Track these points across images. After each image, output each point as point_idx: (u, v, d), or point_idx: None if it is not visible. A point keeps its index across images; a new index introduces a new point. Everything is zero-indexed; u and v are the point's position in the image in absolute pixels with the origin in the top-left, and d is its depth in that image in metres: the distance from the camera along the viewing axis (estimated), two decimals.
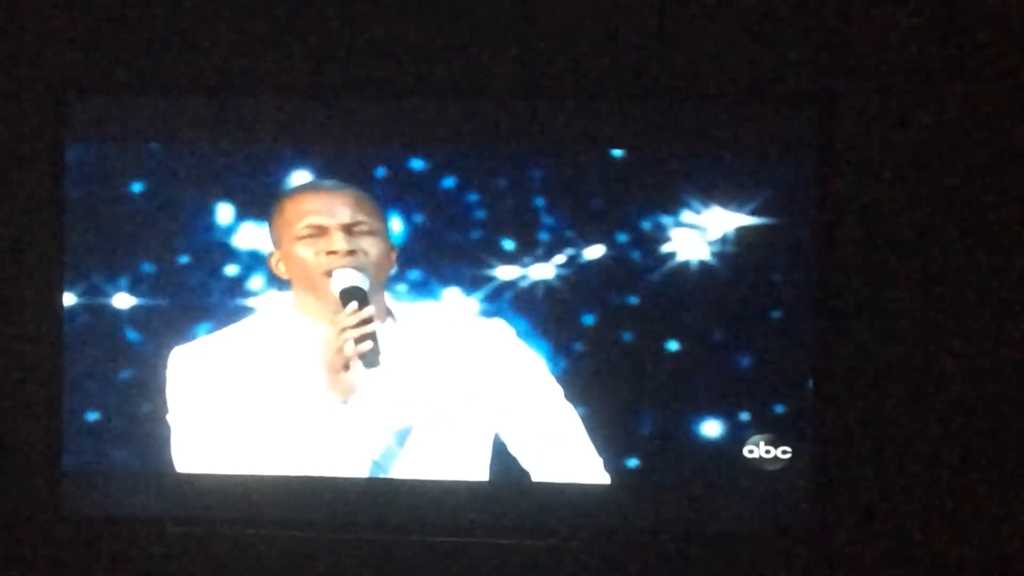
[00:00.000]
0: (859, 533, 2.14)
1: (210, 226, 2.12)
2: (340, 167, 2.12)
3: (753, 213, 2.10)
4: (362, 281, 2.01)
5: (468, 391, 2.10)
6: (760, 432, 2.11)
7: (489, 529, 2.13)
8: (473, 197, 2.12)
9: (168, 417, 2.09)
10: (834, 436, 2.12)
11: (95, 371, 2.13)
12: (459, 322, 2.10)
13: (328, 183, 2.08)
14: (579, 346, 2.13)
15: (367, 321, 1.99)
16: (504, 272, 2.12)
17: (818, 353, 2.09)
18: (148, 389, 2.12)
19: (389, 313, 2.09)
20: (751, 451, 2.12)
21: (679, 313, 2.11)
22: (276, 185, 2.11)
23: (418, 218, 2.12)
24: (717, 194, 2.10)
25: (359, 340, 1.98)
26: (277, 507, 2.12)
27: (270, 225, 2.09)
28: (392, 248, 2.09)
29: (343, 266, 2.02)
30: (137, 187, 2.12)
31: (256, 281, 2.12)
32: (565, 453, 2.11)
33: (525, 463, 2.11)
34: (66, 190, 2.12)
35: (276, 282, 2.11)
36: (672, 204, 2.10)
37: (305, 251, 2.04)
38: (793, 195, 2.09)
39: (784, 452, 2.11)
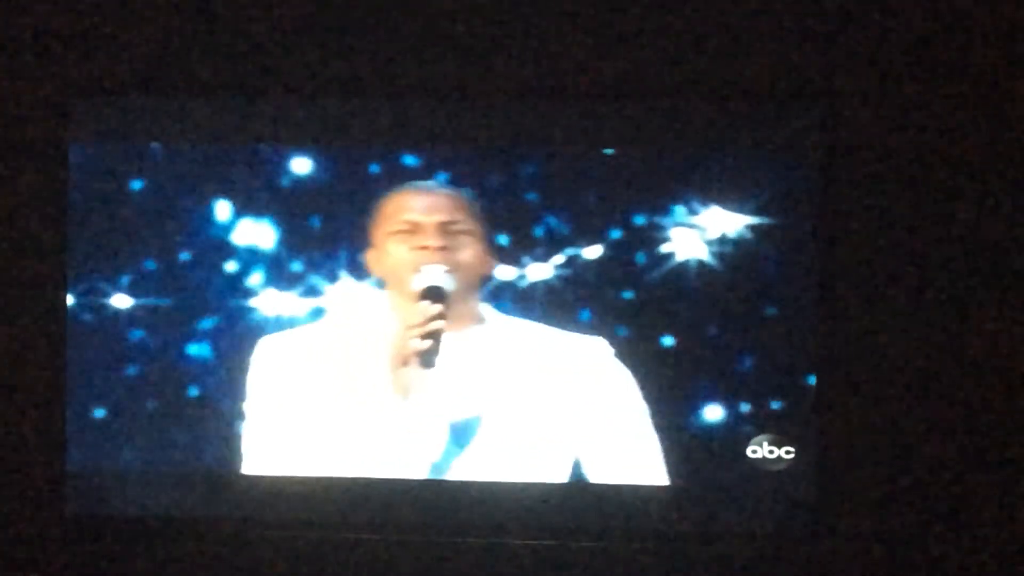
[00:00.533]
0: (862, 533, 2.13)
1: (210, 223, 2.14)
2: (335, 164, 2.13)
3: (755, 212, 2.08)
4: (446, 281, 2.02)
5: (550, 407, 2.08)
6: (763, 432, 2.10)
7: (497, 529, 2.14)
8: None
9: (244, 405, 2.11)
10: (837, 436, 2.11)
11: (99, 368, 2.15)
12: (555, 336, 2.09)
13: (429, 183, 2.09)
14: None
15: (434, 319, 1.99)
16: (500, 271, 2.11)
17: (821, 353, 2.09)
18: (152, 386, 2.14)
19: (480, 319, 2.09)
20: (754, 451, 2.11)
21: (682, 313, 2.10)
22: (274, 182, 2.12)
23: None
24: (720, 193, 2.09)
25: (423, 337, 1.98)
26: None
27: (369, 224, 2.10)
28: (490, 253, 2.08)
29: (433, 262, 2.02)
30: (139, 186, 2.15)
31: (255, 277, 2.13)
32: (637, 479, 2.11)
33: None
34: (69, 189, 2.14)
35: (275, 280, 2.12)
36: (674, 203, 2.09)
37: (398, 246, 2.06)
38: (795, 194, 2.08)
39: (787, 452, 2.10)
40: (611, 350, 2.09)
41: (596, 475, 2.10)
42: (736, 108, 2.10)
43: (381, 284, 2.11)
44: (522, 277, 2.11)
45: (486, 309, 2.10)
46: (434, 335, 1.99)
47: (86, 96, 2.15)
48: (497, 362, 2.09)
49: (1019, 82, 2.07)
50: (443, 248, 2.04)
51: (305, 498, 2.13)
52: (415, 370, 2.02)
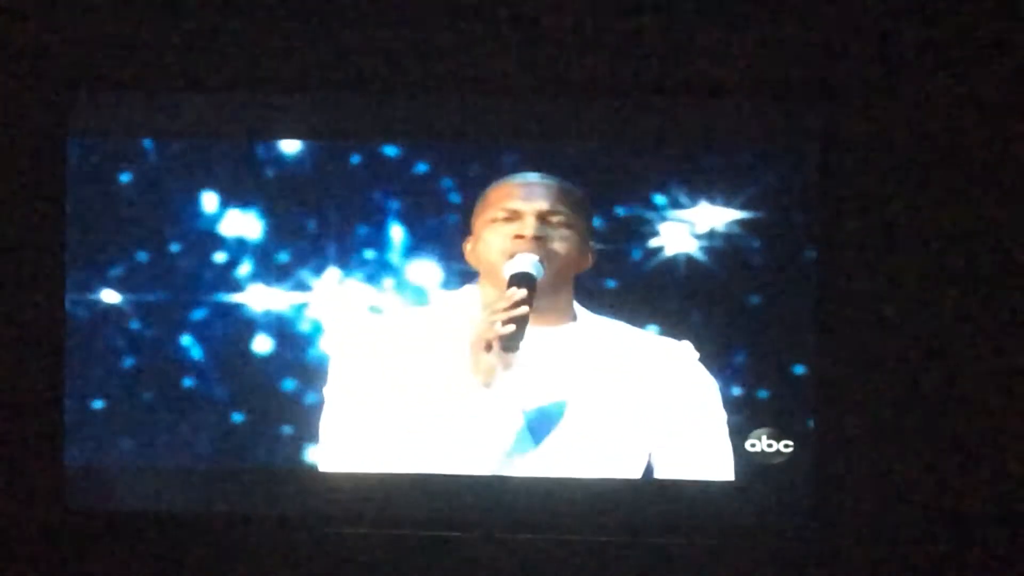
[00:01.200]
0: (861, 526, 2.12)
1: (205, 217, 2.14)
2: (320, 155, 2.14)
3: (756, 208, 2.08)
4: (536, 269, 1.99)
5: (632, 406, 2.06)
6: (762, 426, 2.10)
7: (473, 523, 2.13)
8: (447, 183, 2.11)
9: (324, 390, 2.10)
10: (835, 430, 2.11)
11: (98, 362, 2.17)
12: (643, 337, 2.08)
13: (536, 174, 2.07)
14: None
15: (520, 304, 1.95)
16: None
17: (820, 348, 2.09)
18: (150, 379, 2.16)
19: (572, 316, 2.07)
20: (753, 445, 2.10)
21: (685, 308, 2.10)
22: (272, 175, 2.13)
23: (394, 204, 2.12)
24: (719, 189, 2.09)
25: (505, 322, 1.95)
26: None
27: (472, 213, 2.09)
28: (589, 249, 2.06)
29: (526, 251, 2.00)
30: (136, 181, 2.16)
31: (244, 267, 2.14)
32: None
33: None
34: (67, 184, 2.16)
35: (264, 275, 2.12)
36: (671, 198, 2.09)
37: (494, 234, 2.03)
38: (796, 191, 2.08)
39: (786, 446, 2.10)
40: (696, 354, 2.07)
41: (666, 475, 2.08)
42: (740, 105, 2.09)
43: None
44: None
45: (578, 307, 2.08)
46: (518, 321, 1.95)
47: (84, 91, 2.16)
48: (585, 359, 2.06)
49: (1020, 81, 2.07)
50: (539, 238, 2.00)
51: (314, 494, 2.14)
52: (498, 355, 1.98)
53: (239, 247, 2.14)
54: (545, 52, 2.12)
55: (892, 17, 2.08)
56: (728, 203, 2.08)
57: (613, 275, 2.09)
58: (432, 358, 2.05)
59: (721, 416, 2.07)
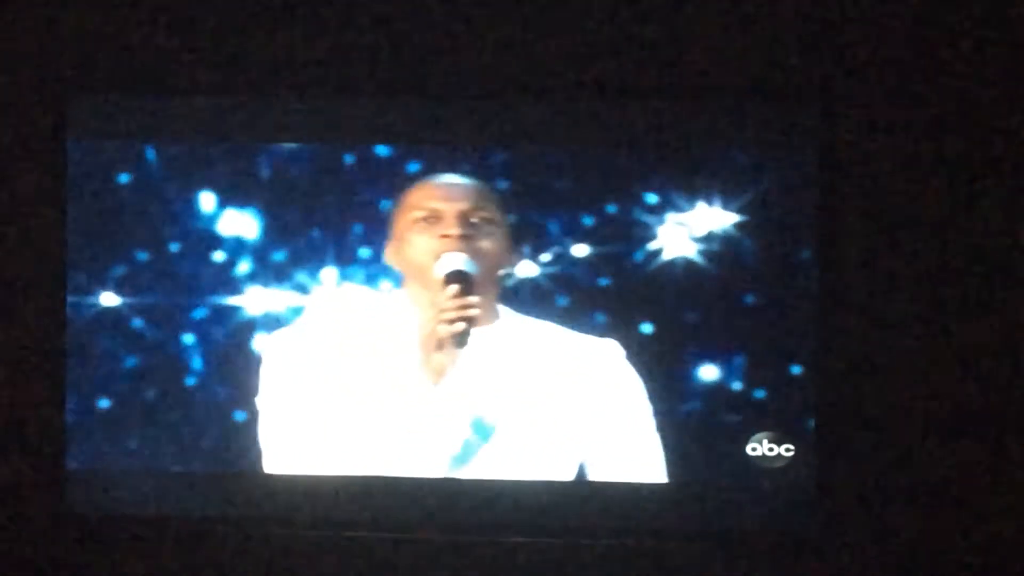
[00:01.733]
0: (863, 529, 2.11)
1: (205, 218, 2.15)
2: (312, 156, 2.14)
3: (754, 208, 2.07)
4: (468, 266, 2.00)
5: (562, 408, 2.06)
6: (763, 430, 2.08)
7: (481, 527, 2.13)
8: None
9: (256, 400, 2.12)
10: (837, 434, 2.09)
11: (99, 363, 2.17)
12: (568, 336, 2.08)
13: (453, 176, 2.09)
14: None
15: (468, 307, 1.98)
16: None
17: (820, 350, 2.07)
18: (152, 380, 2.16)
19: (496, 315, 2.08)
20: (754, 449, 2.08)
21: (684, 310, 2.08)
22: (272, 177, 2.14)
23: (385, 204, 2.12)
24: (718, 189, 2.07)
25: (454, 320, 1.98)
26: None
27: (391, 215, 2.10)
28: (511, 248, 2.07)
29: (454, 250, 2.01)
30: (135, 182, 2.17)
31: (243, 267, 2.14)
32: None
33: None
34: (67, 185, 2.17)
35: (262, 277, 2.13)
36: (671, 200, 2.08)
37: (419, 236, 2.05)
38: (795, 191, 2.07)
39: (787, 450, 2.08)
40: (623, 352, 2.07)
41: (599, 476, 2.08)
42: (738, 106, 2.08)
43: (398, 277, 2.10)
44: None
45: (501, 307, 2.08)
46: (468, 319, 1.98)
47: (85, 94, 2.17)
48: (512, 361, 2.06)
49: (1018, 81, 2.07)
50: (464, 237, 2.02)
51: (310, 497, 2.13)
52: (448, 353, 2.01)
53: (237, 247, 2.14)
54: (539, 52, 2.12)
55: (891, 17, 2.07)
56: (726, 203, 2.06)
57: (611, 276, 2.08)
58: (374, 361, 2.06)
59: (649, 414, 2.06)
